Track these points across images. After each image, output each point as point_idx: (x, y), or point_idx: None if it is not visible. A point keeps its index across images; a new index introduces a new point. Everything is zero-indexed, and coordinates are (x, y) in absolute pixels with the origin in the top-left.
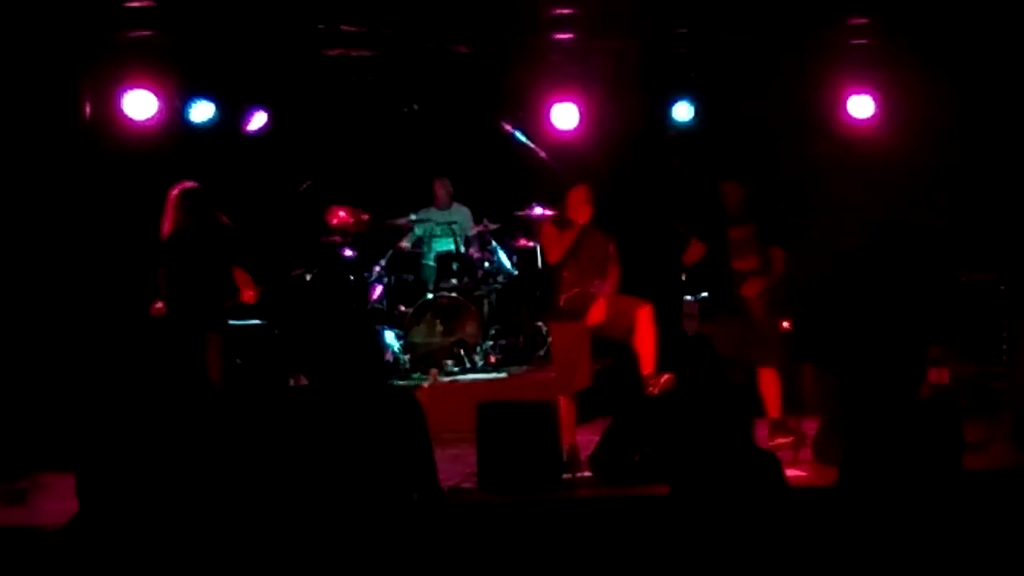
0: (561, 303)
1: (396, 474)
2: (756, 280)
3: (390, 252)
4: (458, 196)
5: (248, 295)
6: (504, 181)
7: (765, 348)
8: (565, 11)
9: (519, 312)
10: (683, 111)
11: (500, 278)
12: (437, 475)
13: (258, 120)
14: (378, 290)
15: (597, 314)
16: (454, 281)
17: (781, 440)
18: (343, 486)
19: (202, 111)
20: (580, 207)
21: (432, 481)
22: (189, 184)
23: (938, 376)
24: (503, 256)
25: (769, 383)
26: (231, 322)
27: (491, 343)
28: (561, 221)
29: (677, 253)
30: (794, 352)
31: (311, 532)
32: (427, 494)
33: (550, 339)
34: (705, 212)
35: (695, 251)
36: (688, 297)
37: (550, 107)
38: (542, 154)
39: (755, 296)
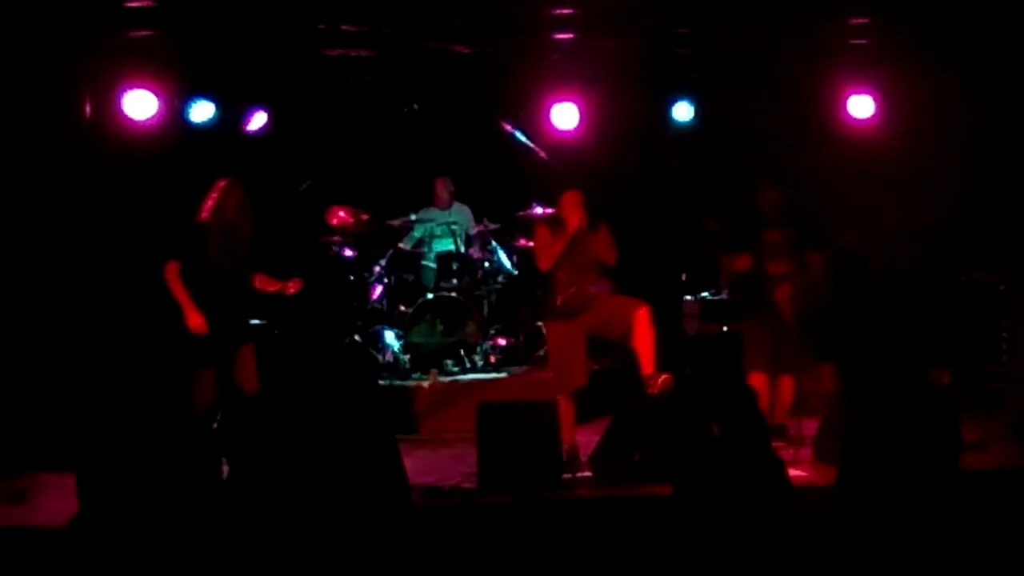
0: (559, 303)
1: (366, 469)
2: (788, 285)
3: (390, 252)
4: (458, 196)
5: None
6: (504, 181)
7: (790, 354)
8: (565, 11)
9: (519, 312)
10: (683, 111)
11: (500, 278)
12: (404, 471)
13: (258, 120)
14: (378, 290)
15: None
16: (454, 281)
17: (775, 445)
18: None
19: (202, 111)
20: (572, 213)
21: (400, 477)
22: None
23: (938, 376)
24: (503, 256)
25: (784, 389)
26: None
27: (491, 343)
28: (554, 222)
29: (707, 250)
30: (814, 351)
31: (298, 529)
32: (396, 491)
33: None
34: (740, 213)
35: (743, 261)
36: (688, 297)
37: (550, 107)
38: (542, 154)
39: (785, 301)
